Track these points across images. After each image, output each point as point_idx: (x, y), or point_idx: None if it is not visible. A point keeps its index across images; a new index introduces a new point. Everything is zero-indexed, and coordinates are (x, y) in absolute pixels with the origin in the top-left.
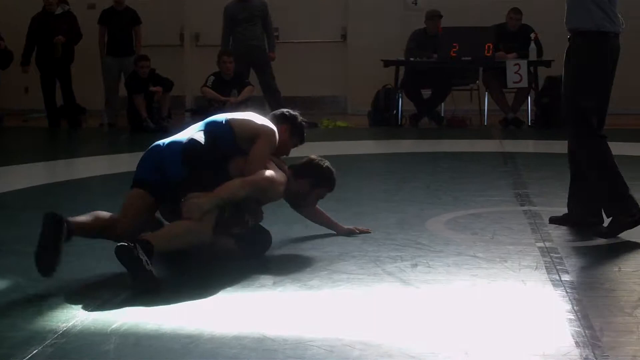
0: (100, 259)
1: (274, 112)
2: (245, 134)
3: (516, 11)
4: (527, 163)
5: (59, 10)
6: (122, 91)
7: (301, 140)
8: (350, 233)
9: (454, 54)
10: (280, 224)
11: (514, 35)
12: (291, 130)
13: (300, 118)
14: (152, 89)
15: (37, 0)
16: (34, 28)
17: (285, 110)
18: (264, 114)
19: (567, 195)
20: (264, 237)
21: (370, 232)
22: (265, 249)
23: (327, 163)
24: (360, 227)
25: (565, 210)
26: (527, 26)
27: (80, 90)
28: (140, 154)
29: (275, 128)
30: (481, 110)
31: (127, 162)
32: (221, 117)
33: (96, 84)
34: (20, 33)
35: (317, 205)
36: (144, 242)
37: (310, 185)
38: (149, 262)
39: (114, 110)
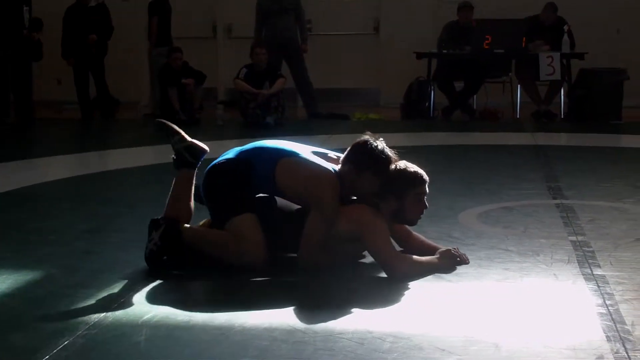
0: (132, 251)
1: (354, 146)
2: (294, 194)
3: (553, 9)
4: (560, 156)
5: (92, 3)
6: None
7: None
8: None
9: (486, 46)
10: None
11: (547, 28)
12: (375, 172)
13: (385, 154)
14: (184, 81)
15: None
16: (68, 20)
17: (367, 143)
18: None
19: (599, 189)
20: None
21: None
22: None
23: (394, 156)
24: (459, 252)
25: (597, 203)
26: (560, 18)
27: (113, 81)
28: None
29: (333, 184)
30: (513, 103)
31: (159, 154)
32: (270, 156)
33: (130, 75)
34: (54, 25)
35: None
36: (173, 224)
37: (396, 196)
38: (157, 243)
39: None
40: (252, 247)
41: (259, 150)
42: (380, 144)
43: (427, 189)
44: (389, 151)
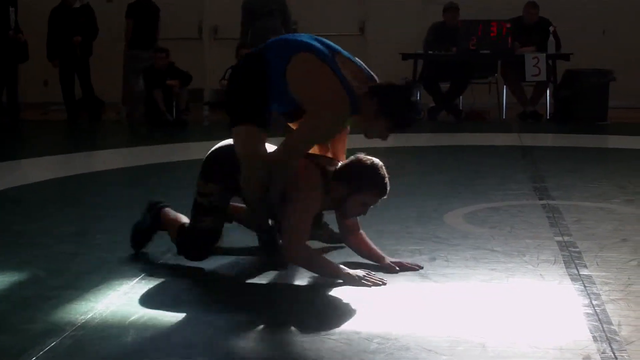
0: (118, 253)
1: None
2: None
3: (533, 5)
4: (546, 157)
5: (77, 4)
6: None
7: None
8: (393, 269)
9: (472, 47)
10: None
11: (531, 29)
12: (381, 109)
13: (408, 96)
14: (169, 82)
15: None
16: (53, 21)
17: (387, 83)
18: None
19: (585, 190)
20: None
21: (420, 269)
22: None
23: (373, 161)
24: (409, 262)
25: (583, 203)
26: (544, 19)
27: (98, 83)
28: (159, 147)
29: (344, 101)
30: (499, 104)
31: (146, 155)
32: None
33: (113, 76)
34: (39, 26)
35: (361, 231)
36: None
37: (348, 189)
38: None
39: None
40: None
41: (279, 41)
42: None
43: (378, 202)
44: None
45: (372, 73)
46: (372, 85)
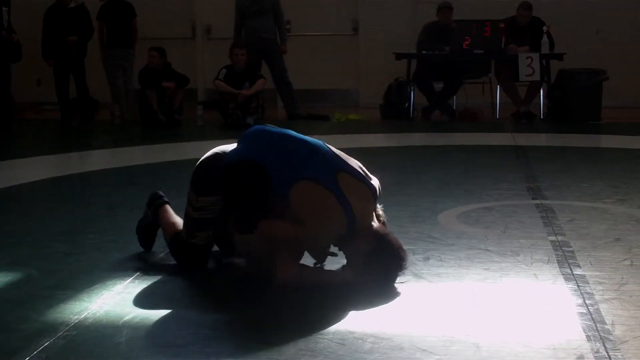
0: (111, 252)
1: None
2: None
3: (526, 7)
4: (539, 156)
5: (72, 4)
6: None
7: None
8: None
9: (466, 47)
10: None
11: (525, 29)
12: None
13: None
14: (165, 84)
15: None
16: (48, 21)
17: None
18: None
19: (578, 189)
20: None
21: None
22: None
23: (402, 260)
24: None
25: (576, 203)
26: (537, 19)
27: (91, 83)
28: (152, 147)
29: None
30: (493, 104)
31: (139, 155)
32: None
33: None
34: (32, 26)
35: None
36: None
37: (367, 265)
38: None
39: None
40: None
41: (283, 154)
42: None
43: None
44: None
45: (375, 187)
46: (377, 237)
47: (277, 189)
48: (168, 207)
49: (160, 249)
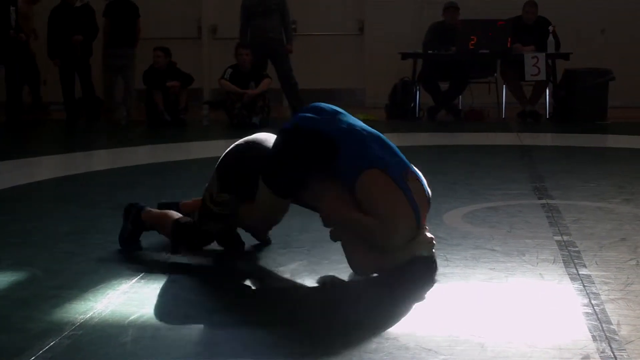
0: (117, 252)
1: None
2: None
3: (532, 4)
4: (545, 156)
5: (78, 4)
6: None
7: None
8: None
9: (472, 47)
10: (300, 215)
11: (531, 29)
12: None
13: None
14: (169, 84)
15: None
16: (54, 21)
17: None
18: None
19: (584, 189)
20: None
21: None
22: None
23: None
24: None
25: (582, 203)
26: (543, 19)
27: (97, 83)
28: (157, 147)
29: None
30: (499, 103)
31: (145, 155)
32: (359, 156)
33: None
34: (38, 25)
35: None
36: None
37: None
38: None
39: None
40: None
41: (355, 139)
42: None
43: None
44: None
45: (430, 194)
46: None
47: (343, 171)
48: (148, 209)
49: (166, 249)
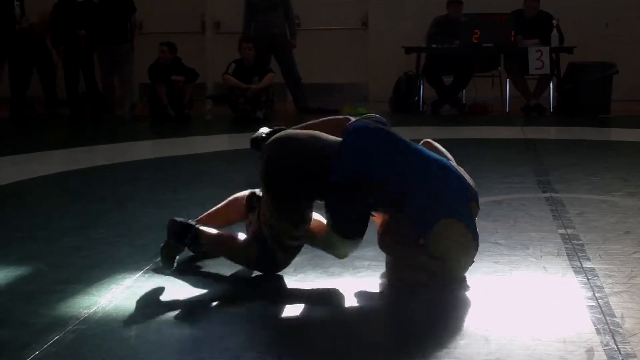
0: (121, 247)
1: None
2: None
3: None
4: (549, 150)
5: None
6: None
7: None
8: None
9: (475, 40)
10: None
11: (533, 22)
12: None
13: None
14: (174, 78)
15: None
16: (57, 16)
17: None
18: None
19: (588, 182)
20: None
21: None
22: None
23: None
24: None
25: (586, 196)
26: (545, 12)
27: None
28: (161, 141)
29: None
30: (503, 97)
31: (149, 149)
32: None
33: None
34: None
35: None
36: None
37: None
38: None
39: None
40: None
41: (419, 183)
42: None
43: None
44: None
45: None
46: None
47: (415, 224)
48: (203, 227)
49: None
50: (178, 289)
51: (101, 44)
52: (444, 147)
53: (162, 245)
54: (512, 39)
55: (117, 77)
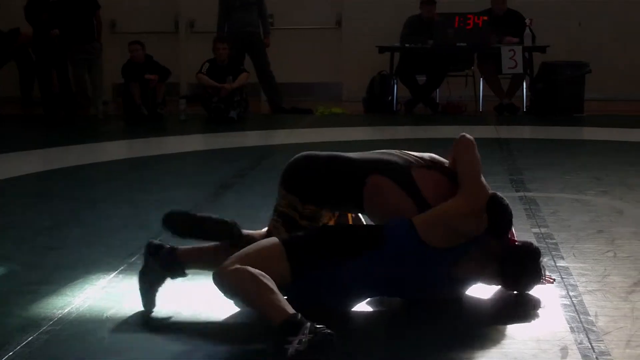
0: (94, 247)
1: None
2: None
3: None
4: (522, 149)
5: None
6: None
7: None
8: None
9: (449, 40)
10: None
11: (502, 20)
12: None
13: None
14: (147, 76)
15: None
16: (30, 14)
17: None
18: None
19: (561, 181)
20: None
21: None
22: None
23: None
24: None
25: (559, 195)
26: (514, 11)
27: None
28: (135, 141)
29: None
30: (476, 96)
31: (122, 149)
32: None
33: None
34: (15, 19)
35: None
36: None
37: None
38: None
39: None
40: None
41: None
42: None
43: None
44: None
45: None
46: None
47: (436, 265)
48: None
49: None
50: None
51: (73, 44)
52: (417, 146)
53: (139, 270)
54: (490, 38)
55: (87, 76)
